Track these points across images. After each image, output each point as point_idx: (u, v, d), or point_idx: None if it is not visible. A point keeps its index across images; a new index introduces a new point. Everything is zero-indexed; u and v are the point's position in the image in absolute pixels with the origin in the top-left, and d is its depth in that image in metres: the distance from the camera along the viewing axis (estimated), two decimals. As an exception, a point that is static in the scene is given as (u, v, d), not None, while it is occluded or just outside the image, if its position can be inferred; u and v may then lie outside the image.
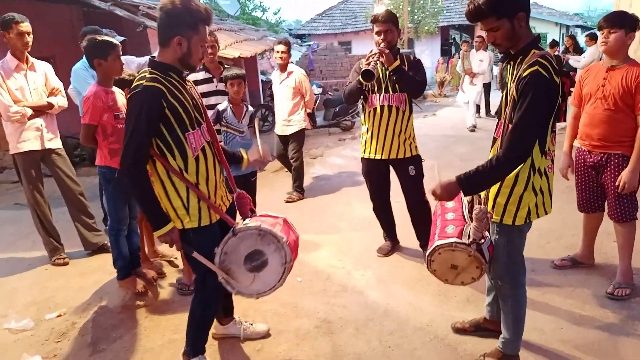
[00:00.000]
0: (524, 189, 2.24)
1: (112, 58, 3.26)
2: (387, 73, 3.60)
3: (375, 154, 3.78)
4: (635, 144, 3.04)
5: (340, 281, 3.68)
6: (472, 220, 2.34)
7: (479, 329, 2.88)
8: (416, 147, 3.82)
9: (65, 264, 4.16)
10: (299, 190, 5.79)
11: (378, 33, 3.57)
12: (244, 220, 2.49)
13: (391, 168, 3.89)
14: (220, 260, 2.34)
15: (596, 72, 3.23)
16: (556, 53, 9.52)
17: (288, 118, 5.61)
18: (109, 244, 3.79)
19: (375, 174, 3.92)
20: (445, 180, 2.18)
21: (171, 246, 2.33)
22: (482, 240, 2.30)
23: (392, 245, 4.13)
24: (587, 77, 3.28)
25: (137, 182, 2.18)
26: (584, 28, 27.02)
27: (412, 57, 3.77)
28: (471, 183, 2.18)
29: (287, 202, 5.63)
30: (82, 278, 3.92)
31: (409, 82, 3.58)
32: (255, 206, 3.14)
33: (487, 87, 11.22)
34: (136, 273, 3.65)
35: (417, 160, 3.81)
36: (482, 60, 9.59)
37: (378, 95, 3.67)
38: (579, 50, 9.46)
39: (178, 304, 3.43)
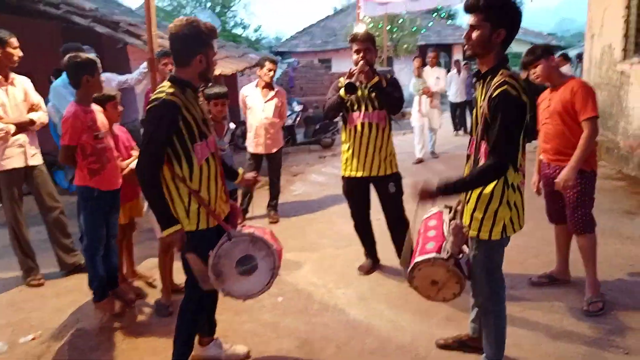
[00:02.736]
0: (499, 204, 2.33)
1: (97, 74, 3.26)
2: (367, 91, 3.69)
3: (357, 171, 3.81)
4: (579, 145, 3.19)
5: (321, 300, 3.67)
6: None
7: (462, 345, 2.91)
8: (396, 164, 3.87)
9: (40, 285, 4.06)
10: (276, 208, 5.78)
11: (357, 52, 3.66)
12: (236, 229, 2.64)
13: (372, 186, 3.92)
14: (213, 263, 2.46)
15: (546, 94, 3.48)
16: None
17: (276, 136, 5.58)
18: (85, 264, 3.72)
19: (356, 192, 3.94)
20: (427, 183, 2.27)
21: (176, 247, 2.46)
22: (461, 256, 2.38)
23: (373, 263, 4.14)
24: (542, 101, 3.52)
25: (151, 185, 2.38)
26: (557, 48, 27.75)
27: (388, 76, 3.85)
28: (450, 190, 2.29)
29: (272, 223, 5.55)
30: (58, 299, 3.83)
31: (388, 97, 3.68)
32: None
33: (464, 106, 11.38)
34: (114, 293, 3.59)
35: (396, 178, 3.86)
36: (438, 77, 8.52)
37: (358, 113, 3.73)
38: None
39: (156, 325, 3.38)
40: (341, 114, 3.82)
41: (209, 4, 23.81)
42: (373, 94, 3.68)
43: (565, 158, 3.28)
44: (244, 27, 25.56)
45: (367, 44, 3.66)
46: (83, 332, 3.32)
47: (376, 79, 3.66)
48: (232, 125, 4.29)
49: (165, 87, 2.42)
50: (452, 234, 2.35)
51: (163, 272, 3.58)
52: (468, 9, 2.30)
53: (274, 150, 5.59)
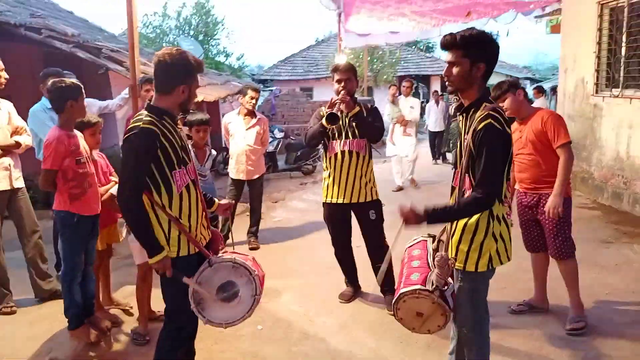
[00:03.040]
0: (484, 236, 2.31)
1: (81, 99, 3.26)
2: (348, 120, 3.75)
3: (337, 198, 3.84)
4: (558, 171, 3.30)
5: (302, 328, 3.63)
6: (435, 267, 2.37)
7: (440, 376, 2.88)
8: (376, 191, 3.91)
9: (13, 312, 3.93)
10: (257, 235, 5.76)
11: (338, 81, 3.75)
12: (217, 255, 2.61)
13: (352, 213, 3.94)
14: (194, 290, 2.42)
15: (516, 127, 3.55)
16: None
17: (258, 163, 5.60)
18: (61, 291, 3.62)
19: (337, 219, 3.96)
20: (415, 206, 2.25)
21: (163, 273, 2.42)
22: (446, 287, 2.33)
23: (354, 290, 4.13)
24: (512, 133, 3.52)
25: (135, 215, 2.36)
26: (532, 80, 28.56)
27: (369, 106, 3.94)
28: (437, 216, 2.29)
29: (252, 249, 5.49)
30: (31, 327, 3.71)
31: (369, 127, 3.74)
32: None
33: (442, 135, 11.58)
34: (89, 321, 3.49)
35: (377, 205, 3.89)
36: (413, 107, 8.43)
37: (339, 141, 3.78)
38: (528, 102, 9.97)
39: (133, 354, 3.29)
40: (322, 141, 3.87)
41: (192, 32, 23.97)
42: (354, 123, 3.74)
43: (542, 186, 3.38)
44: (227, 55, 25.71)
45: (348, 74, 3.75)
46: (56, 362, 3.22)
47: (357, 108, 3.71)
48: (214, 152, 4.29)
49: (143, 115, 2.40)
50: (438, 266, 2.30)
51: (141, 300, 3.51)
52: (445, 47, 2.30)
53: (256, 176, 5.61)
